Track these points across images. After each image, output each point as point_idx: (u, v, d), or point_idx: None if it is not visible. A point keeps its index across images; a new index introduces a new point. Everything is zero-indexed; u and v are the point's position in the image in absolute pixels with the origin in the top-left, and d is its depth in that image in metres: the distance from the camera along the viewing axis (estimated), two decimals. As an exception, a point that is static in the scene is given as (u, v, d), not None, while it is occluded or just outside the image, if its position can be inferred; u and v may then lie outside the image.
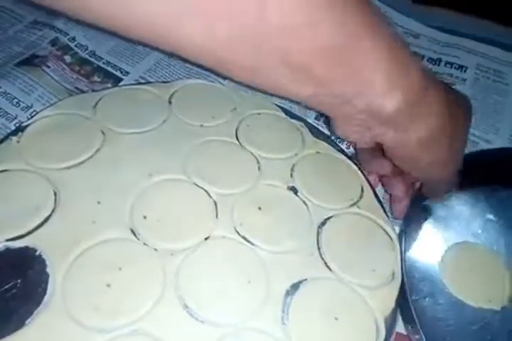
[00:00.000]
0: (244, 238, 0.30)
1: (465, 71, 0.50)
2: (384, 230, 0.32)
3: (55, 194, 0.30)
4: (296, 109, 0.42)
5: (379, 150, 0.31)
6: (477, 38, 0.52)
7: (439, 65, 0.50)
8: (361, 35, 0.22)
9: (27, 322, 0.24)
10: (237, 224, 0.30)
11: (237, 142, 0.36)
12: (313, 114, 0.43)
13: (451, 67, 0.50)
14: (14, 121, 0.37)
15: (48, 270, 0.26)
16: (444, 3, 0.55)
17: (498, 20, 0.53)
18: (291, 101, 0.42)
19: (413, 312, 0.27)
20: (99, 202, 0.30)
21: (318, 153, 0.37)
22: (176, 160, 0.33)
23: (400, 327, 0.30)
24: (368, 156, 0.35)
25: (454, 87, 0.48)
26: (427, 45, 0.52)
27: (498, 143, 0.44)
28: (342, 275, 0.29)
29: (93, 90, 0.39)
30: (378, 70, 0.24)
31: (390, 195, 0.36)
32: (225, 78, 0.44)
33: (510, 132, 0.45)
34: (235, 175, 0.33)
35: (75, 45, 0.44)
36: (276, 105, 0.40)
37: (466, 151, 0.31)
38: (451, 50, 0.52)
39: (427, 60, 0.51)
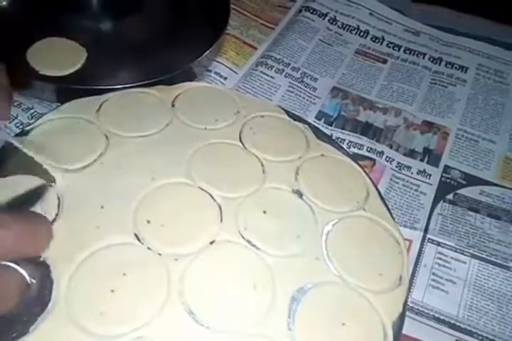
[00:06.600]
0: (249, 242, 0.30)
1: (466, 72, 0.49)
2: (390, 233, 0.32)
3: (59, 198, 0.29)
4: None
5: None
6: (477, 37, 0.52)
7: (439, 65, 0.50)
8: None
9: (31, 329, 0.24)
10: (242, 228, 0.30)
11: (241, 145, 0.35)
12: (314, 113, 0.43)
13: (452, 68, 0.50)
14: (15, 122, 0.37)
15: (52, 276, 0.26)
16: (443, 2, 0.54)
17: (498, 19, 0.53)
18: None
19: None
20: (102, 207, 0.29)
21: (322, 155, 0.36)
22: (180, 164, 0.33)
23: (406, 329, 0.29)
24: None
25: (454, 88, 0.48)
26: (428, 43, 0.52)
27: (498, 143, 0.44)
28: (349, 280, 0.29)
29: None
30: None
31: None
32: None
33: (511, 132, 0.45)
34: (239, 179, 0.33)
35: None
36: (280, 107, 0.40)
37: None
38: (452, 49, 0.51)
39: (428, 59, 0.50)
